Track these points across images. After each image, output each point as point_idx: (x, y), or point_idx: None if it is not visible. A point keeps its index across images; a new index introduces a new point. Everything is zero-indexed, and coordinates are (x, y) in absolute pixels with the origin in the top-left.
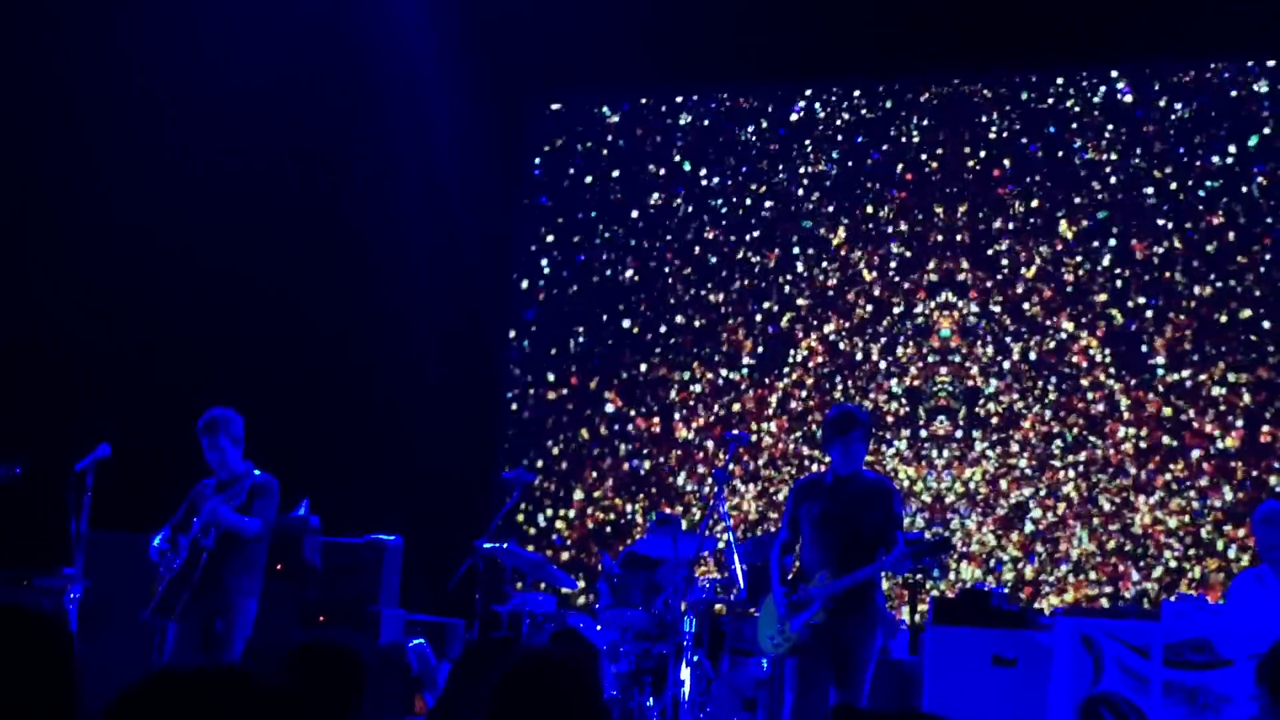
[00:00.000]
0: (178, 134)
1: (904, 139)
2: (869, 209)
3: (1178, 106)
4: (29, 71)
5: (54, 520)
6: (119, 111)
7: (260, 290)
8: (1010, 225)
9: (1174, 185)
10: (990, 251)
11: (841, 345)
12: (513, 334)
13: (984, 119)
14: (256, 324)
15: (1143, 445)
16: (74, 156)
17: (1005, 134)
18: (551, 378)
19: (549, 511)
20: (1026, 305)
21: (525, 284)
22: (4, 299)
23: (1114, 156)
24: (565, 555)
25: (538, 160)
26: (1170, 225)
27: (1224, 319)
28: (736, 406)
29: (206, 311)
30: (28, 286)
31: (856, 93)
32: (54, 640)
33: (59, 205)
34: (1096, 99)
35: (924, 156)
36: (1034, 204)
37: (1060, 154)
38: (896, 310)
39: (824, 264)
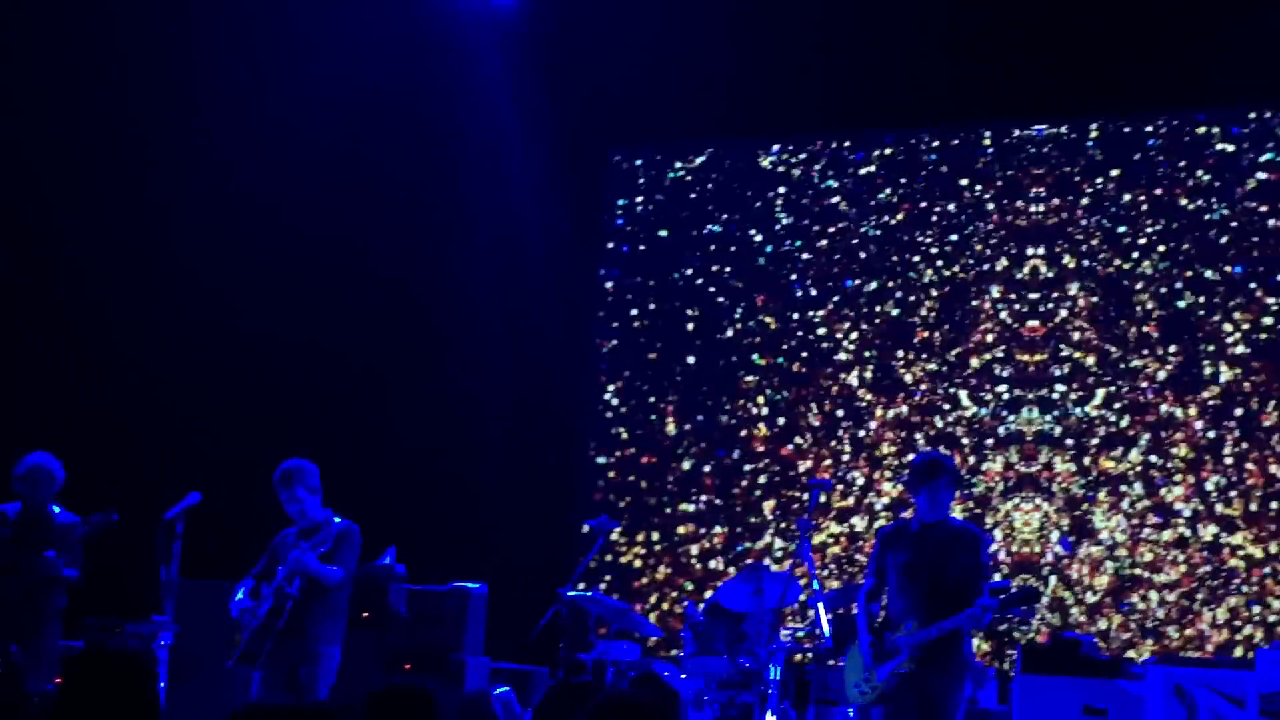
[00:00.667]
0: (264, 196)
1: (977, 186)
2: (950, 252)
3: (1253, 153)
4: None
5: (145, 567)
6: (211, 177)
7: (345, 344)
8: (1085, 273)
9: (1243, 231)
10: (1074, 292)
11: (924, 387)
12: (594, 382)
13: (1070, 163)
14: (342, 377)
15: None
16: (166, 216)
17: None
18: (633, 426)
19: (636, 560)
20: (1108, 347)
21: (606, 332)
22: (98, 351)
23: (1183, 202)
24: (650, 599)
25: (620, 205)
26: (1237, 274)
27: None
28: (823, 455)
29: (295, 364)
30: (121, 340)
31: (931, 140)
32: (138, 678)
33: (156, 263)
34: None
35: (1004, 202)
36: (1110, 255)
37: (1125, 201)
38: (986, 355)
39: (912, 308)
